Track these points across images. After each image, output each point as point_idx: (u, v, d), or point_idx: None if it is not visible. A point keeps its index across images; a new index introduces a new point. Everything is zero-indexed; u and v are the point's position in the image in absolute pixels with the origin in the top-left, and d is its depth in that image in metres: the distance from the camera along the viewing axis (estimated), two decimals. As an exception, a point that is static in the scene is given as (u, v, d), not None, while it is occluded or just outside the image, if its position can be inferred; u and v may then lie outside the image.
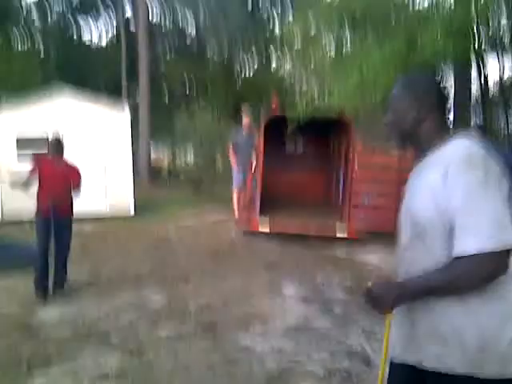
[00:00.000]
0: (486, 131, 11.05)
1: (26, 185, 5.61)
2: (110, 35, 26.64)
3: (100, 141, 11.23)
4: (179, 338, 4.40)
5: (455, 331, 1.70)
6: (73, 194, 5.79)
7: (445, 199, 1.68)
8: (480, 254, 1.59)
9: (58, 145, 5.74)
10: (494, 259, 1.60)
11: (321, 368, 3.84)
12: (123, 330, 4.62)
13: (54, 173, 5.61)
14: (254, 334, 4.49)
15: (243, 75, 26.20)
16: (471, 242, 1.60)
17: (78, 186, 5.71)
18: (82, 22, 24.89)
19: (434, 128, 1.87)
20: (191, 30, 25.91)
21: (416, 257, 1.82)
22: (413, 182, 1.90)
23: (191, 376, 3.70)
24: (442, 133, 1.85)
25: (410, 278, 1.80)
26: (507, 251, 1.60)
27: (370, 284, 1.82)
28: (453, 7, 7.72)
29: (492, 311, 1.68)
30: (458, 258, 1.64)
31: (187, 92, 25.08)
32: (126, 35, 21.50)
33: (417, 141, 1.90)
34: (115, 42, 24.92)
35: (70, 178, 5.67)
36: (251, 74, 25.90)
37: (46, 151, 6.14)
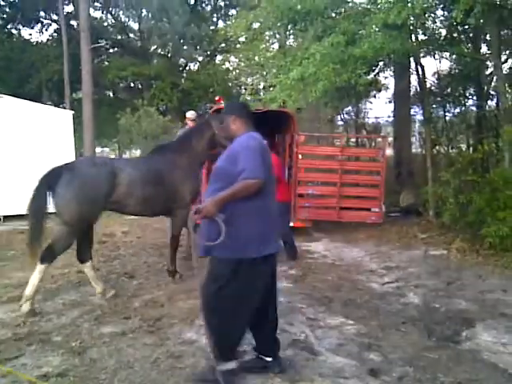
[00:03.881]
0: (426, 120, 11.40)
1: None
2: (50, 30, 25.84)
3: (42, 139, 10.91)
4: (123, 335, 4.37)
5: None
6: None
7: None
8: None
9: None
10: None
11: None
12: (65, 328, 4.54)
13: None
14: (199, 327, 4.50)
15: (188, 69, 26.02)
16: None
17: None
18: (20, 18, 23.92)
19: None
20: (133, 25, 25.52)
21: None
22: None
23: (135, 372, 3.68)
24: None
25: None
26: None
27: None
28: (391, 2, 7.92)
29: None
30: None
31: (131, 86, 24.69)
32: (67, 30, 20.91)
33: None
34: (56, 37, 24.18)
35: None
36: (196, 68, 25.75)
37: None
